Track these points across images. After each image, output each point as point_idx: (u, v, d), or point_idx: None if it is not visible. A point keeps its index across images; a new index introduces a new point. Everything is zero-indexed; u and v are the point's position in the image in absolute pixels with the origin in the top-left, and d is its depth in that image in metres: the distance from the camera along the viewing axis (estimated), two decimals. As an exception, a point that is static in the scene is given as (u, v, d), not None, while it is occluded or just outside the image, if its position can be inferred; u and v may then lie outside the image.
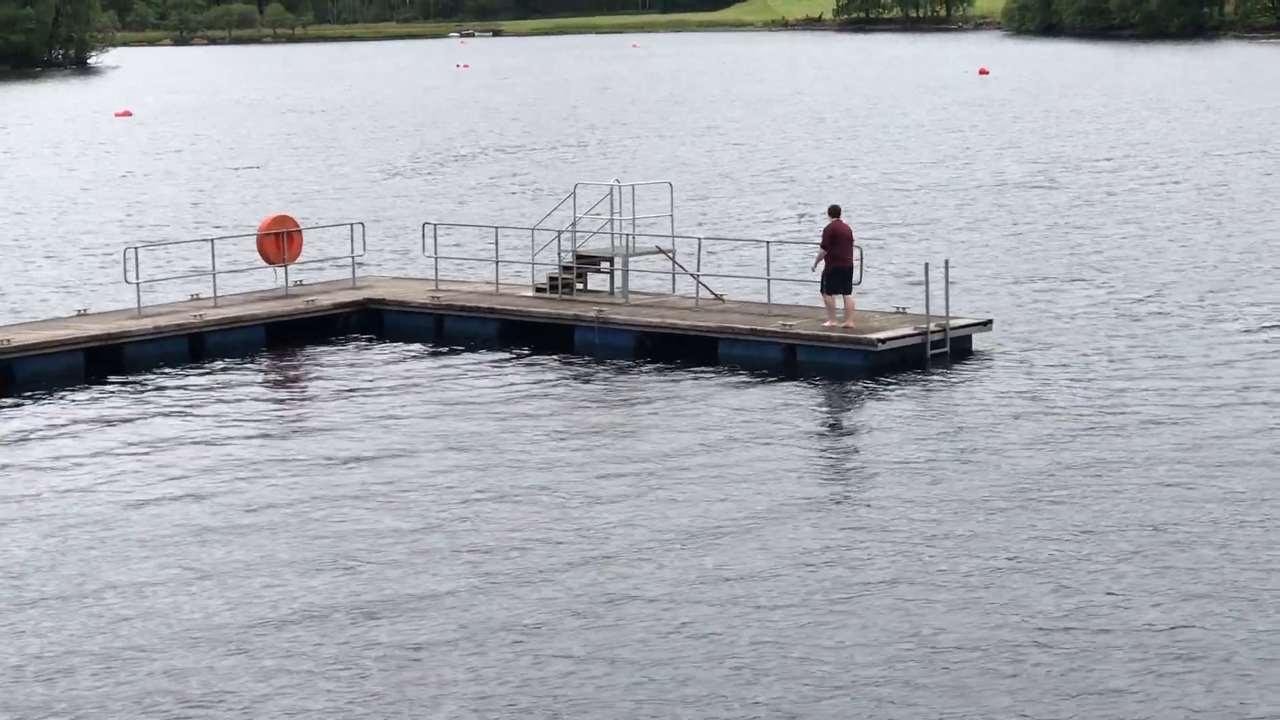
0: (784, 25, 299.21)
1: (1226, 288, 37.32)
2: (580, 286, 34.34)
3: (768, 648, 17.05)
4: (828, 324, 30.30)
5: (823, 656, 16.84)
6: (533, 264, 35.33)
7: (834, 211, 30.78)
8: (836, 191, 56.78)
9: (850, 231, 30.65)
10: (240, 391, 29.32)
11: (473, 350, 32.10)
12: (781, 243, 41.27)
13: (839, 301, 30.40)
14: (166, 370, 30.75)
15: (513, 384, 29.31)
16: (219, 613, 18.39)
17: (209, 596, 18.89)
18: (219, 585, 19.26)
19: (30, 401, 28.64)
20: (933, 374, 29.27)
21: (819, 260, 30.55)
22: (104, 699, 16.23)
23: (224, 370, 30.88)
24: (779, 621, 17.77)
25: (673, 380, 29.37)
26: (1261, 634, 17.26)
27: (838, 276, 30.33)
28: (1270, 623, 17.57)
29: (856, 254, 30.53)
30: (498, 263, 35.43)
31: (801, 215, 50.98)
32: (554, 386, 29.16)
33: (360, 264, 37.28)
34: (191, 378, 30.29)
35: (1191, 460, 23.48)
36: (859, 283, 31.14)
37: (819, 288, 30.75)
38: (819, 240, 30.82)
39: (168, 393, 29.17)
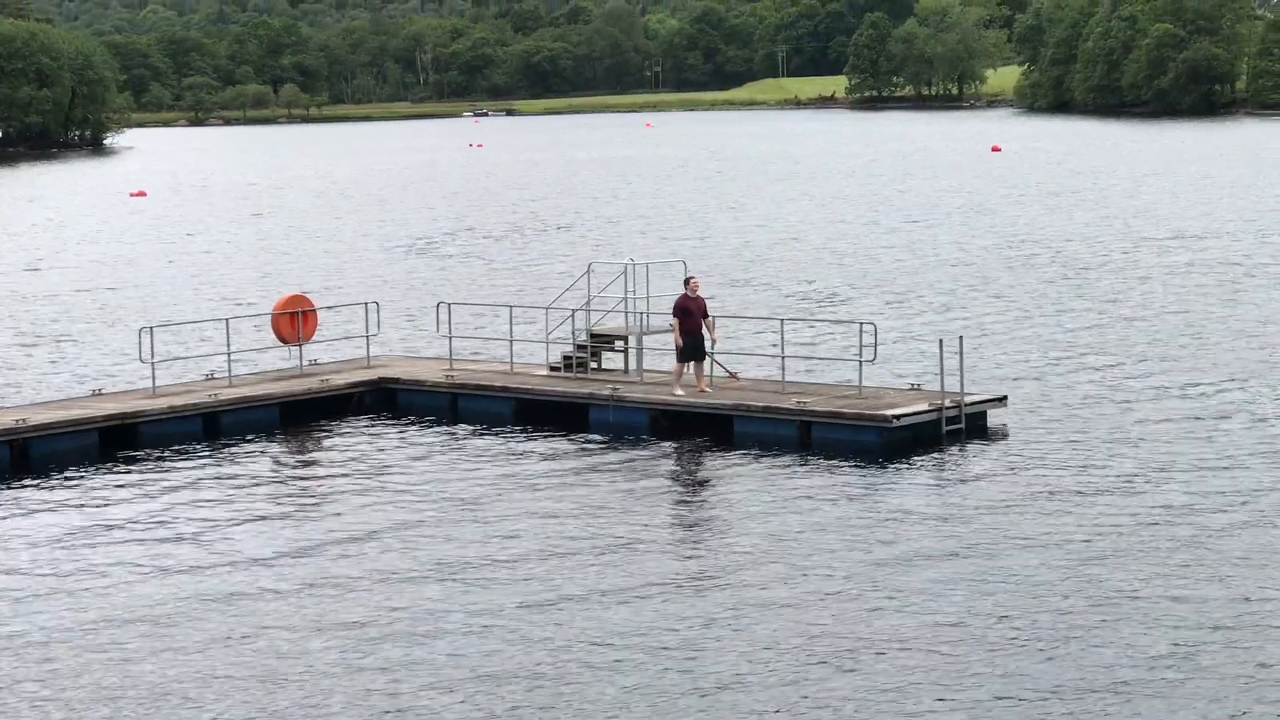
0: (797, 104, 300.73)
1: (1243, 365, 37.23)
2: (594, 365, 34.36)
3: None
4: (679, 392, 31.34)
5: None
6: (547, 343, 35.37)
7: (687, 284, 31.79)
8: (847, 267, 56.83)
9: (698, 303, 31.42)
10: (255, 471, 29.27)
11: (487, 429, 32.08)
12: (795, 319, 41.29)
13: (689, 370, 31.64)
14: (181, 449, 30.74)
15: (528, 463, 29.25)
16: (229, 696, 18.28)
17: (221, 680, 18.79)
18: (233, 667, 19.16)
19: (46, 481, 28.62)
20: (949, 451, 29.18)
21: (675, 332, 31.55)
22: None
23: (238, 449, 30.86)
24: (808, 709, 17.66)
25: (688, 458, 29.32)
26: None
27: (687, 346, 31.37)
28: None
29: (708, 323, 31.49)
30: (512, 342, 35.48)
31: (813, 284, 51.01)
32: (569, 465, 29.10)
33: (374, 343, 37.31)
34: (206, 457, 30.27)
35: (1211, 544, 23.30)
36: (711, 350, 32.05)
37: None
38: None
39: (182, 472, 29.14)
